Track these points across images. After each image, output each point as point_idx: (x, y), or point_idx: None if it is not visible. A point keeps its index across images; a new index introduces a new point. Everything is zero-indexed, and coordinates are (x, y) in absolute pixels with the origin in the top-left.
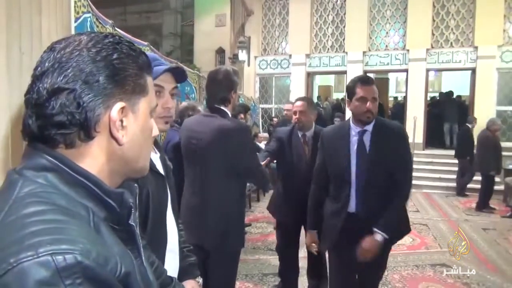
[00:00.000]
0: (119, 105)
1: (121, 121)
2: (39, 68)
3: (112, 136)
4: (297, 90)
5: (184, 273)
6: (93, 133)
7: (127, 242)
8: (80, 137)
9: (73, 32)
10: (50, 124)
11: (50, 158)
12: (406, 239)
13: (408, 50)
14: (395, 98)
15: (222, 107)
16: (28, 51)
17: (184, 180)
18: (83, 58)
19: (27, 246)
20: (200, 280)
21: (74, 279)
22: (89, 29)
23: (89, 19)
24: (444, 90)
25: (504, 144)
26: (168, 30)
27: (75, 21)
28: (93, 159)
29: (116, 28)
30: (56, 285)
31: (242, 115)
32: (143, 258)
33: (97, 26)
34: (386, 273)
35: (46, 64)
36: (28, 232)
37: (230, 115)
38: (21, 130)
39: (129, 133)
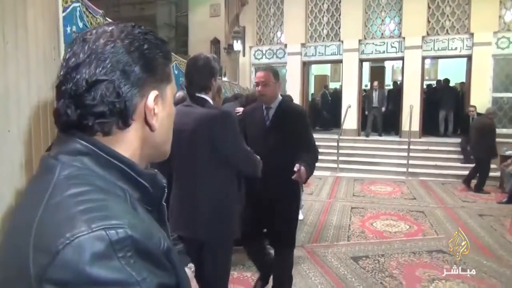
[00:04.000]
0: (154, 93)
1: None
2: (73, 59)
3: (146, 123)
4: (293, 79)
5: None
6: (130, 121)
7: (159, 223)
8: (118, 125)
9: (61, 22)
10: (89, 113)
11: (85, 143)
12: (403, 226)
13: (404, 38)
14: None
15: (203, 95)
16: (12, 41)
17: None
18: (117, 49)
19: (80, 222)
20: (192, 267)
21: (126, 252)
22: (78, 19)
23: (78, 8)
24: (440, 77)
25: (500, 130)
26: (162, 21)
27: (64, 11)
28: (128, 144)
29: (107, 19)
30: (110, 257)
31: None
32: (170, 239)
33: (87, 16)
34: (383, 260)
35: (81, 56)
36: (77, 210)
37: (211, 103)
38: (54, 118)
39: (159, 119)
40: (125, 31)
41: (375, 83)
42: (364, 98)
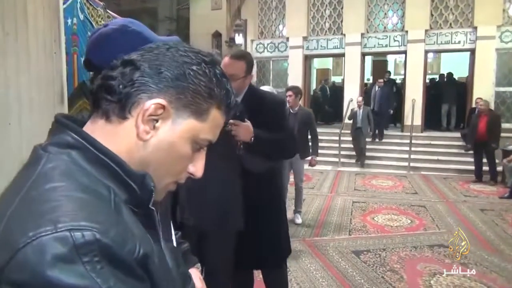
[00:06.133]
0: (159, 100)
1: (156, 120)
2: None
3: (136, 125)
4: (294, 73)
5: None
6: (126, 113)
7: (147, 226)
8: (115, 111)
9: (61, 14)
10: (104, 85)
11: (75, 136)
12: (404, 221)
13: (406, 32)
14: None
15: None
16: (12, 32)
17: None
18: (165, 52)
19: (47, 220)
20: (199, 266)
21: (92, 257)
22: (79, 11)
23: (78, 0)
24: (443, 71)
25: (502, 125)
26: (164, 14)
27: (64, 3)
28: (121, 141)
29: (108, 11)
30: (73, 262)
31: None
32: (162, 243)
33: (88, 8)
34: (384, 254)
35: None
36: (48, 207)
37: None
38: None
39: (158, 137)
40: (190, 50)
41: (360, 99)
42: (350, 117)
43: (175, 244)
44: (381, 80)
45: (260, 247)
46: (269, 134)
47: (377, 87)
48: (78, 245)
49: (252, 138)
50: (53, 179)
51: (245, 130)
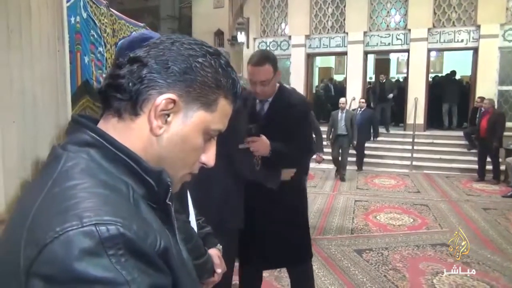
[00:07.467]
0: (169, 95)
1: (168, 115)
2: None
3: (149, 120)
4: (297, 72)
5: (204, 242)
6: (138, 110)
7: (164, 221)
8: (127, 109)
9: (65, 12)
10: (113, 84)
11: (93, 134)
12: (407, 220)
13: (409, 30)
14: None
15: None
16: (16, 29)
17: None
18: (170, 47)
19: (72, 215)
20: (220, 247)
21: (117, 250)
22: (82, 9)
23: None
24: (445, 70)
25: (506, 124)
26: (166, 13)
27: (67, 1)
28: (133, 138)
29: (111, 9)
30: (99, 255)
31: None
32: (177, 238)
33: (91, 7)
34: (386, 253)
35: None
36: (72, 203)
37: None
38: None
39: (170, 131)
40: (194, 42)
41: (342, 100)
42: (330, 123)
43: (195, 225)
44: (363, 100)
45: (285, 245)
46: (283, 146)
47: (359, 109)
48: (104, 239)
49: (270, 152)
50: (74, 177)
51: (263, 144)
